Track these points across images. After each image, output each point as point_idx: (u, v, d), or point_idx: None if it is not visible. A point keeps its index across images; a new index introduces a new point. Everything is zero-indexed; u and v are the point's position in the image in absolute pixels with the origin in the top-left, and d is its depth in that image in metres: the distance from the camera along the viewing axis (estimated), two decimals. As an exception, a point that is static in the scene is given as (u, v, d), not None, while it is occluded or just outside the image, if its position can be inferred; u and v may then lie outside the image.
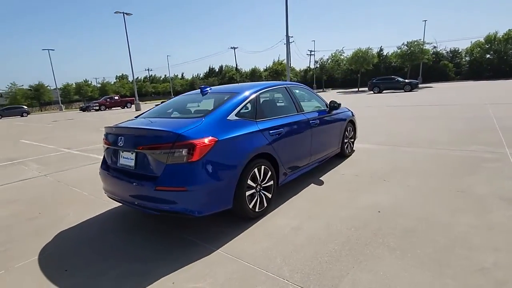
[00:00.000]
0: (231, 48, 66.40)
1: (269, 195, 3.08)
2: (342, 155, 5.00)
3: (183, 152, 2.37)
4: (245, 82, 57.58)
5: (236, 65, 72.08)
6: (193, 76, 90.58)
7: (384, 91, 27.84)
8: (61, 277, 2.21)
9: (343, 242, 2.42)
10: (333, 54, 44.04)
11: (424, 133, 6.70)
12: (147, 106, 36.13)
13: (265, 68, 56.07)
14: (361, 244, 2.38)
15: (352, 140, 5.29)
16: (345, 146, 4.98)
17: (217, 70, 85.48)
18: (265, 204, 3.02)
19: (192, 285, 2.01)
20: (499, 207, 2.84)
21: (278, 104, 3.81)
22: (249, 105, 3.15)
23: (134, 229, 2.96)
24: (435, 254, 2.17)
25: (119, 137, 2.76)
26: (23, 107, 34.51)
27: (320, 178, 4.06)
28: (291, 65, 60.48)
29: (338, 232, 2.60)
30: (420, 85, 29.83)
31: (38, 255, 2.53)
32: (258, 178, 2.92)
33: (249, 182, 2.79)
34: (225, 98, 3.07)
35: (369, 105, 15.38)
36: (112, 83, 76.79)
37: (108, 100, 34.90)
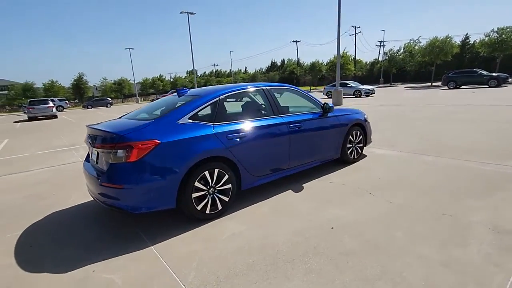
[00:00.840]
0: (293, 41, 65.64)
1: (226, 199, 3.10)
2: (344, 161, 4.63)
3: (123, 153, 2.57)
4: (306, 76, 56.27)
5: (298, 58, 71.02)
6: (255, 70, 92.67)
7: (462, 87, 24.13)
8: (21, 250, 2.66)
9: (268, 256, 2.32)
10: (406, 44, 39.79)
11: (468, 140, 5.70)
12: None
13: (328, 61, 53.86)
14: (284, 260, 2.25)
15: (360, 145, 4.84)
16: (349, 152, 4.60)
17: (279, 64, 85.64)
18: (220, 207, 3.05)
19: (105, 275, 2.21)
20: (481, 240, 2.33)
21: (249, 107, 3.75)
22: (208, 109, 3.19)
23: (106, 219, 3.30)
24: (352, 283, 1.93)
25: (89, 136, 3.13)
26: (107, 99, 40.27)
27: (303, 185, 3.86)
28: (357, 58, 56.72)
29: (272, 244, 2.49)
30: (510, 80, 24.96)
31: (22, 231, 3.06)
32: (210, 181, 2.96)
33: (197, 184, 2.85)
34: (183, 102, 3.18)
35: (430, 103, 13.59)
36: (183, 77, 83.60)
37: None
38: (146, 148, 2.60)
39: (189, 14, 28.59)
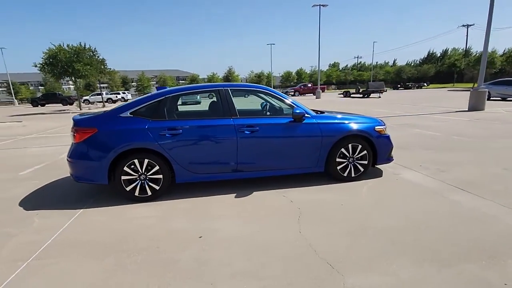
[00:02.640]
0: (463, 26, 52.86)
1: (156, 187, 3.46)
2: (334, 177, 3.92)
3: (72, 135, 3.41)
4: (473, 69, 44.26)
5: (466, 47, 56.72)
6: (407, 63, 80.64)
7: None
8: (23, 207, 4.00)
9: (142, 244, 2.59)
10: None
11: None
12: (329, 95, 37.28)
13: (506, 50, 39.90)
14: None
15: (364, 162, 3.91)
16: (340, 167, 3.85)
17: (438, 54, 71.05)
18: (149, 193, 3.46)
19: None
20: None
21: (196, 107, 3.80)
22: (153, 106, 3.55)
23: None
24: (122, 288, 1.97)
25: None
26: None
27: (255, 192, 3.65)
28: None
29: (153, 235, 2.72)
30: None
31: (27, 193, 4.33)
32: (140, 169, 3.40)
33: (127, 169, 3.36)
34: (138, 98, 3.67)
35: None
36: (325, 70, 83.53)
37: (302, 87, 39.20)
38: (86, 134, 3.33)
39: (320, 6, 28.26)
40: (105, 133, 3.37)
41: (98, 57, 24.63)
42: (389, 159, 4.11)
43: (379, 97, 26.97)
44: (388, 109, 14.12)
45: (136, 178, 3.43)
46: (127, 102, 3.70)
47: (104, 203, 3.48)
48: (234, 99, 3.73)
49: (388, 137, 4.03)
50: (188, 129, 3.48)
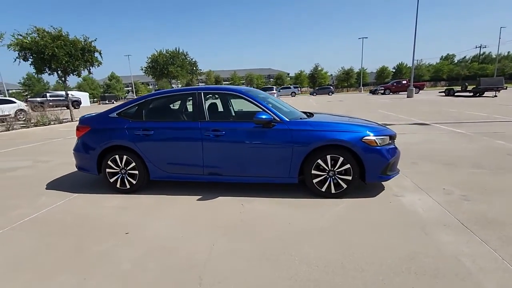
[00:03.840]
0: None
1: (133, 181, 3.81)
2: (314, 192, 3.46)
3: (76, 131, 4.06)
4: None
5: None
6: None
7: None
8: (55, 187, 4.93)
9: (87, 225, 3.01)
10: None
11: None
12: (426, 93, 31.81)
13: None
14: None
15: (348, 178, 3.31)
16: (316, 180, 3.38)
17: None
18: (128, 186, 3.83)
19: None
20: None
21: (170, 110, 3.88)
22: (133, 108, 3.88)
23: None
24: None
25: None
26: (330, 88, 44.32)
27: (202, 201, 3.55)
28: None
29: (92, 218, 3.08)
30: None
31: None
32: (120, 164, 3.80)
33: (110, 163, 3.81)
34: (128, 101, 4.05)
35: None
36: (435, 64, 72.30)
37: (395, 84, 34.92)
38: (83, 130, 3.93)
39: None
40: (95, 131, 3.90)
41: (190, 60, 27.93)
42: (384, 177, 3.36)
43: (495, 96, 21.66)
44: (489, 113, 11.17)
45: (118, 172, 3.85)
46: (119, 104, 4.18)
47: (95, 191, 4.03)
48: (235, 101, 3.74)
49: (381, 150, 3.29)
50: (159, 130, 3.68)
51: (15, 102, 16.69)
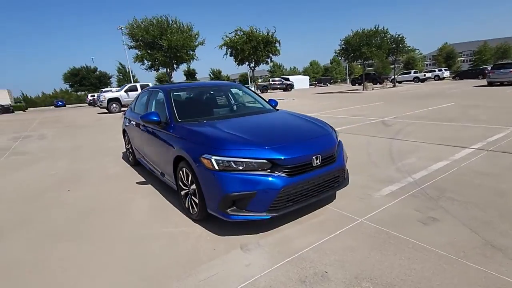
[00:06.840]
0: None
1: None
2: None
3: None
4: None
5: None
6: None
7: None
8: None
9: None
10: None
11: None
12: None
13: None
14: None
15: (197, 201, 2.47)
16: (183, 193, 2.80)
17: None
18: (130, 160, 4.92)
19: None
20: None
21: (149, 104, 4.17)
22: (135, 99, 4.68)
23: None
24: None
25: None
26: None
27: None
28: None
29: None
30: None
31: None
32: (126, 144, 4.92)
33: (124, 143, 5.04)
34: None
35: None
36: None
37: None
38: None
39: None
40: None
41: (395, 36, 24.14)
42: (224, 214, 2.19)
43: None
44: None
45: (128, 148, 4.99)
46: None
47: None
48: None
49: (220, 176, 2.13)
50: (131, 121, 4.39)
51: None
